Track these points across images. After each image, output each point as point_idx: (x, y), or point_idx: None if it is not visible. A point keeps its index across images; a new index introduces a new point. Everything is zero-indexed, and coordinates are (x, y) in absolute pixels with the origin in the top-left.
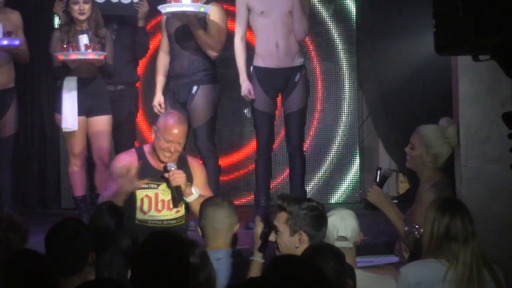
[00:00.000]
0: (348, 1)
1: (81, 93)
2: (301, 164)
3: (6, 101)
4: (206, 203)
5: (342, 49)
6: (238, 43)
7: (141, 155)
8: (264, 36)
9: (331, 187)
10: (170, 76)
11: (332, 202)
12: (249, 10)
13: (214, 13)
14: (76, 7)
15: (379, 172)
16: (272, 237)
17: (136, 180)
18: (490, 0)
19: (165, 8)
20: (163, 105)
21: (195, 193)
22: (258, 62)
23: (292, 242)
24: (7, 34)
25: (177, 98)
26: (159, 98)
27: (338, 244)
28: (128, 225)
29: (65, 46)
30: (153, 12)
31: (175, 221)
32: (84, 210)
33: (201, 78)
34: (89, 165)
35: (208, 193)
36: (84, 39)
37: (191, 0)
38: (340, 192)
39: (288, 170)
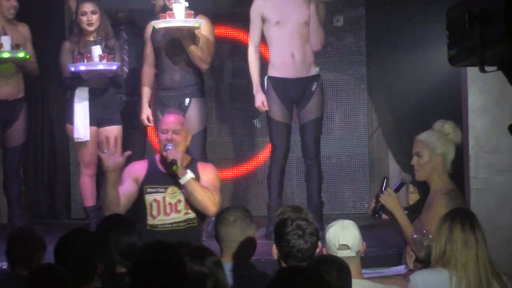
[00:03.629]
0: (358, 12)
1: (93, 103)
2: (318, 174)
3: (14, 111)
4: (219, 220)
5: (352, 59)
6: (252, 53)
7: (151, 162)
8: (280, 46)
9: (340, 197)
10: (159, 88)
11: (341, 213)
12: (263, 20)
13: (203, 26)
14: (84, 18)
15: (385, 181)
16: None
17: (118, 156)
18: (495, 11)
19: (160, 24)
20: (151, 118)
21: (190, 175)
22: (273, 72)
23: None
24: (15, 46)
25: None
26: (147, 112)
27: (341, 253)
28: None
29: (78, 57)
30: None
31: (185, 223)
32: (94, 221)
33: (192, 91)
34: (99, 175)
35: (212, 190)
36: (98, 50)
37: (184, 15)
38: (349, 202)
39: (294, 178)
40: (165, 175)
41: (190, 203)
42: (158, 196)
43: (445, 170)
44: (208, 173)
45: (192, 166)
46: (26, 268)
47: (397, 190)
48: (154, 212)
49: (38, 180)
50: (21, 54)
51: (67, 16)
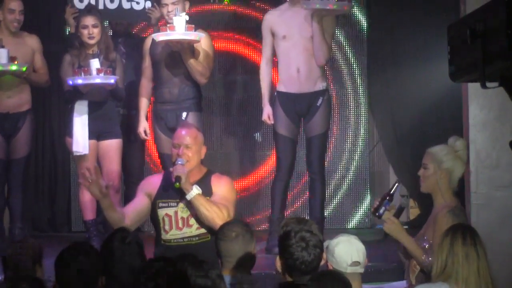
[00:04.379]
0: (359, 26)
1: (92, 116)
2: (321, 189)
3: (18, 123)
4: (219, 236)
5: (354, 73)
6: (263, 67)
7: (165, 176)
8: (286, 61)
9: (341, 212)
10: (157, 102)
11: (342, 227)
12: (273, 34)
13: (202, 40)
14: (85, 32)
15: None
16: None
17: (100, 181)
18: (497, 27)
19: (161, 36)
20: (148, 131)
21: (195, 191)
22: (281, 87)
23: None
24: (11, 59)
25: (165, 123)
26: (144, 125)
27: (351, 269)
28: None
29: (76, 70)
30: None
31: (197, 238)
32: (94, 234)
33: (190, 105)
34: None
35: (223, 204)
36: (95, 63)
37: (185, 28)
38: (350, 217)
39: (297, 192)
40: (177, 190)
41: (198, 219)
42: (170, 211)
43: (450, 186)
44: (221, 185)
45: (206, 178)
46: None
47: (398, 215)
48: (167, 227)
49: (39, 192)
50: (13, 67)
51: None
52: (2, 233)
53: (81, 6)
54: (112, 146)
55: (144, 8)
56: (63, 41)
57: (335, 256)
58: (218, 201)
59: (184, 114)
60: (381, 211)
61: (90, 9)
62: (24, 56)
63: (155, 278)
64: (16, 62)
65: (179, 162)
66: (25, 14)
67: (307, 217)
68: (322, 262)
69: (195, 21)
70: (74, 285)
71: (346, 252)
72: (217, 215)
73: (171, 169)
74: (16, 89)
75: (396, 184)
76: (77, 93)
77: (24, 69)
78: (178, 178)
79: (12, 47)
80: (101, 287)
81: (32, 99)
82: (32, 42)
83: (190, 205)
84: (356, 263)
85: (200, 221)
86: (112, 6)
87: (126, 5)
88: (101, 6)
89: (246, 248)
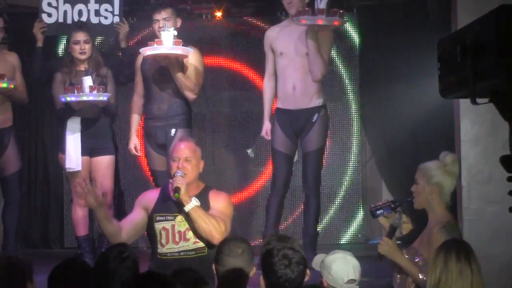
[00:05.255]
0: (351, 42)
1: (85, 133)
2: (316, 205)
3: (3, 140)
4: (223, 251)
5: (346, 89)
6: (265, 83)
7: (163, 190)
8: (283, 77)
9: (335, 227)
10: (146, 118)
11: (334, 242)
12: (272, 51)
13: (191, 55)
14: (77, 47)
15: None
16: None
17: (95, 191)
18: (486, 45)
19: (148, 51)
20: (138, 147)
21: (194, 202)
22: (279, 103)
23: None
24: (0, 77)
25: (155, 140)
26: (134, 141)
27: (347, 287)
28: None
29: (69, 87)
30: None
31: (194, 252)
32: (87, 250)
33: (178, 122)
34: None
35: (220, 218)
36: (88, 81)
37: (173, 43)
38: (344, 232)
39: (290, 208)
40: (175, 203)
41: (195, 232)
42: (167, 224)
43: (442, 201)
44: (219, 201)
45: (204, 193)
46: None
47: (391, 236)
48: (163, 241)
49: (31, 208)
50: (4, 85)
51: (60, 45)
52: None
53: (49, 20)
54: (105, 162)
55: (112, 23)
56: (55, 58)
57: (332, 274)
58: (216, 215)
59: (173, 131)
60: (378, 212)
61: (82, 25)
62: (7, 73)
63: None
64: (5, 79)
65: (179, 174)
66: (12, 31)
67: (300, 233)
68: (306, 279)
69: (187, 37)
70: None
71: (343, 269)
72: (215, 228)
73: (170, 180)
74: (2, 105)
75: (404, 201)
76: (70, 110)
77: (12, 86)
78: (178, 189)
79: None
80: None
81: (24, 116)
82: (13, 59)
83: (188, 217)
84: (352, 281)
85: (198, 234)
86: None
87: (94, 20)
88: (69, 21)
89: (248, 266)
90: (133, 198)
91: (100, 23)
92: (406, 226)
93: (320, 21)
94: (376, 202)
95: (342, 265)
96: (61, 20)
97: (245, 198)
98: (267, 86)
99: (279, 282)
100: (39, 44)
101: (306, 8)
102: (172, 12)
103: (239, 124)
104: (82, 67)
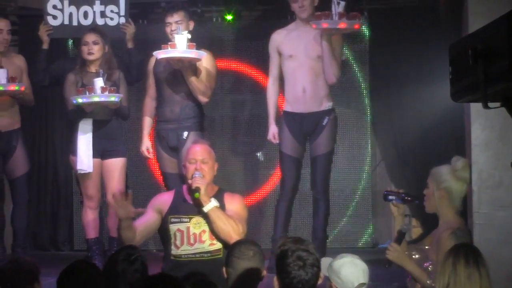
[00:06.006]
0: (362, 45)
1: (96, 135)
2: (325, 209)
3: (12, 142)
4: (234, 253)
5: (356, 92)
6: (269, 86)
7: (177, 192)
8: (292, 80)
9: (344, 231)
10: (159, 121)
11: (343, 246)
12: (279, 54)
13: (204, 59)
14: (85, 48)
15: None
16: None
17: (129, 206)
18: (498, 49)
19: (162, 54)
20: (151, 150)
21: (213, 203)
22: (287, 107)
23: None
24: (11, 79)
25: (167, 142)
26: (146, 144)
27: None
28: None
29: (81, 89)
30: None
31: (209, 254)
32: (96, 252)
33: (191, 124)
34: (102, 207)
35: (237, 219)
36: (100, 82)
37: (186, 46)
38: (353, 236)
39: (300, 212)
40: (190, 205)
41: (214, 232)
42: (182, 226)
43: (451, 206)
44: (234, 203)
45: (218, 196)
46: None
47: (399, 242)
48: (178, 242)
49: (41, 211)
50: (15, 87)
51: (71, 47)
52: (3, 252)
53: (54, 23)
54: (116, 164)
55: (118, 24)
56: (66, 59)
57: (342, 278)
58: (233, 216)
59: (185, 134)
60: (390, 197)
61: (93, 27)
62: (16, 76)
63: None
64: (16, 82)
65: (197, 175)
66: (22, 33)
67: (309, 237)
68: (320, 281)
69: (196, 39)
70: None
71: (353, 274)
72: (233, 229)
73: (189, 181)
74: (8, 108)
75: (415, 198)
76: (81, 112)
77: (23, 89)
78: (198, 189)
79: (5, 67)
80: None
81: (33, 119)
82: (20, 62)
83: (207, 218)
84: (362, 285)
85: (216, 235)
86: (86, 22)
87: (100, 21)
88: (75, 23)
89: (259, 268)
90: (140, 201)
91: (106, 24)
92: (416, 231)
93: (343, 24)
94: (391, 187)
95: (351, 269)
96: (66, 22)
97: (254, 202)
98: (271, 89)
99: (293, 283)
100: (45, 46)
101: (327, 12)
102: (185, 15)
103: (248, 127)
104: (94, 69)
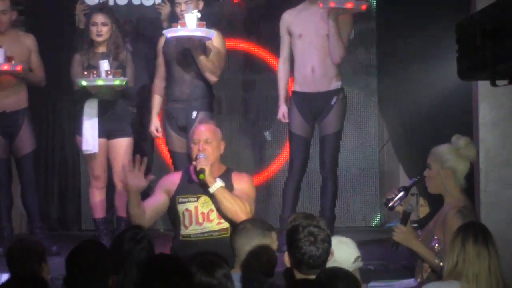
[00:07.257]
0: (369, 24)
1: (102, 115)
2: (333, 188)
3: (18, 121)
4: (235, 230)
5: (363, 72)
6: (280, 66)
7: (185, 172)
8: (301, 60)
9: (350, 210)
10: (168, 100)
11: (351, 225)
12: (290, 34)
13: (214, 38)
14: (94, 29)
15: (414, 180)
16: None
17: (140, 174)
18: (507, 27)
19: (172, 32)
20: (160, 130)
21: (219, 183)
22: (296, 86)
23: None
24: (8, 59)
25: (176, 122)
26: (155, 124)
27: (356, 265)
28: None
29: (86, 72)
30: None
31: (217, 233)
32: (104, 232)
33: (200, 104)
34: (109, 186)
35: (245, 199)
36: (105, 65)
37: (196, 25)
38: (359, 215)
39: (308, 191)
40: (197, 184)
41: (221, 212)
42: (190, 206)
43: (456, 185)
44: (242, 182)
45: (226, 175)
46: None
47: (405, 223)
48: (187, 222)
49: (49, 191)
50: (9, 67)
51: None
52: (11, 232)
53: (91, 1)
54: (122, 144)
55: (154, 4)
56: (74, 38)
57: (336, 259)
58: (240, 195)
59: (194, 113)
60: (394, 203)
61: (102, 8)
62: (20, 55)
63: (158, 274)
64: (13, 62)
65: (201, 156)
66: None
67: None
68: (330, 258)
69: (204, 19)
70: (85, 283)
71: (345, 252)
72: (240, 209)
73: (194, 163)
74: (13, 88)
75: (415, 180)
76: (87, 92)
77: (19, 68)
78: (202, 170)
79: (6, 46)
80: (113, 286)
81: (41, 99)
82: (28, 41)
83: (213, 198)
84: (358, 258)
85: (223, 214)
86: (122, 2)
87: (136, 1)
88: (111, 3)
89: (252, 242)
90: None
91: (142, 4)
92: (423, 210)
93: (351, 4)
94: (386, 196)
95: (343, 249)
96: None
97: (262, 181)
98: (282, 69)
99: (304, 258)
100: (81, 26)
101: None
102: None
103: (256, 107)
104: (101, 50)
